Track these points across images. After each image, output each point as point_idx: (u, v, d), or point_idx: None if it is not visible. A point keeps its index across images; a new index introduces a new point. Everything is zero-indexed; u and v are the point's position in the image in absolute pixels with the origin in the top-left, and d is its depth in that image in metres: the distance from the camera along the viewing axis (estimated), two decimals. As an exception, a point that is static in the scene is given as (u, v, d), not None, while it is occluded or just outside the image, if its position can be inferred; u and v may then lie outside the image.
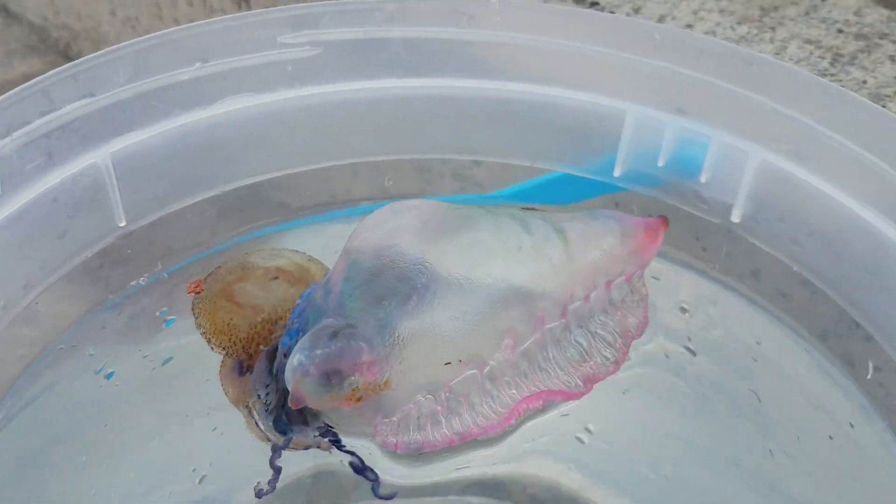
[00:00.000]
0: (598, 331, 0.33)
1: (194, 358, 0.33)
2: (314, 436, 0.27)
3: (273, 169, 0.35)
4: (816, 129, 0.31)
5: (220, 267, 0.35)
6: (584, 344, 0.32)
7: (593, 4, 0.46)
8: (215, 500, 0.35)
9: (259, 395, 0.27)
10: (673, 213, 0.36)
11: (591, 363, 0.32)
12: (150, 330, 0.34)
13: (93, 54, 0.28)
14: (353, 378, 0.25)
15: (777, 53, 0.41)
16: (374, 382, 0.26)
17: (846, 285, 0.31)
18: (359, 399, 0.25)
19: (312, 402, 0.25)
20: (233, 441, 0.32)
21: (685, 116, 0.34)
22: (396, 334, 0.26)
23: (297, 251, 0.36)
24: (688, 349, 0.37)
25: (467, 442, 0.28)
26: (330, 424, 0.27)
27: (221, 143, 0.33)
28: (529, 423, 0.32)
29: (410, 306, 0.26)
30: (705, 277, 0.37)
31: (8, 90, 0.27)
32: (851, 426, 0.32)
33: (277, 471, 0.29)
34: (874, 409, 0.31)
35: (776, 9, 0.45)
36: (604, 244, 0.32)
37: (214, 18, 0.31)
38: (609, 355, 0.33)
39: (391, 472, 0.33)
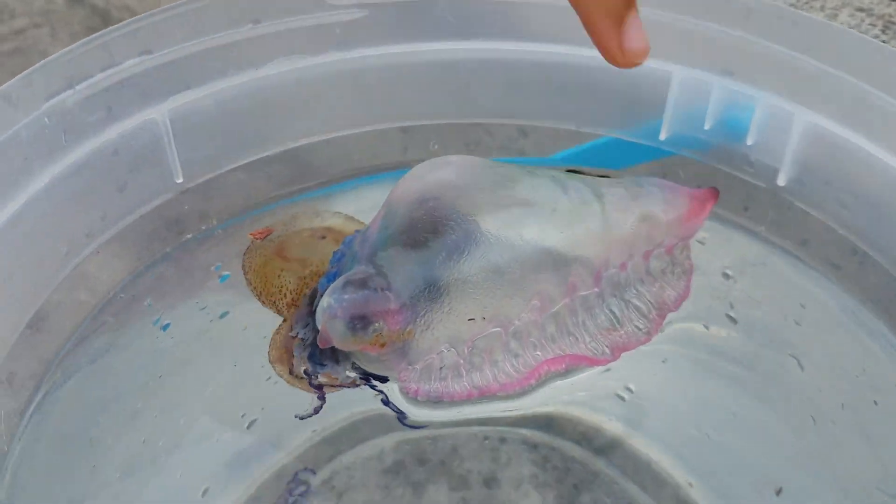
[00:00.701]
0: (633, 300, 0.33)
1: (250, 313, 0.34)
2: (345, 373, 0.28)
3: (322, 131, 0.36)
4: (864, 89, 0.31)
5: (267, 227, 0.36)
6: (617, 312, 0.32)
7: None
8: (264, 444, 0.37)
9: (298, 333, 0.28)
10: (719, 177, 0.36)
11: (622, 332, 0.32)
12: (205, 283, 0.35)
13: (150, 11, 0.29)
14: (377, 325, 0.26)
15: (828, 21, 0.41)
16: (397, 331, 0.26)
17: (893, 249, 0.31)
18: (383, 345, 0.26)
19: (339, 344, 0.26)
20: (285, 391, 0.33)
21: (731, 78, 0.34)
22: (423, 286, 0.27)
23: (342, 213, 0.37)
24: (729, 317, 0.37)
25: (485, 396, 0.29)
26: (359, 364, 0.28)
27: (273, 105, 0.34)
28: (569, 380, 0.32)
29: (439, 260, 0.27)
30: (752, 240, 0.36)
31: None
32: (875, 403, 0.31)
33: (320, 403, 0.30)
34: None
35: (829, -23, 0.45)
36: (644, 212, 0.32)
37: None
38: (641, 325, 0.32)
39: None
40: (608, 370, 0.32)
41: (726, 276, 0.37)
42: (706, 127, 0.35)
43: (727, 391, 0.38)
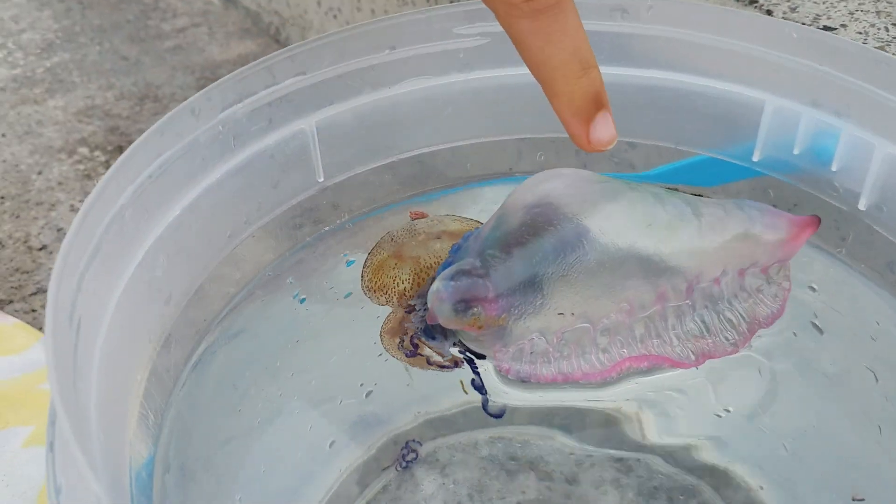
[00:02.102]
0: (725, 313, 0.34)
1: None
2: (449, 347, 0.33)
3: (443, 141, 0.41)
4: None
5: (388, 233, 0.41)
6: (707, 322, 0.34)
7: (753, 2, 0.48)
8: (379, 414, 0.42)
9: (417, 307, 0.34)
10: (806, 199, 0.39)
11: (710, 341, 0.34)
12: (335, 267, 0.41)
13: (307, 40, 0.35)
14: (475, 309, 0.30)
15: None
16: (493, 317, 0.31)
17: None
18: (480, 327, 0.31)
19: (444, 322, 0.31)
20: (393, 369, 0.38)
21: (819, 109, 0.36)
22: (519, 282, 0.31)
23: (457, 216, 0.42)
24: (814, 325, 0.39)
25: (569, 381, 0.32)
26: (463, 342, 0.33)
27: (402, 118, 0.39)
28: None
29: (535, 260, 0.31)
30: (833, 259, 0.39)
31: (225, 69, 0.35)
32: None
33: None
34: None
35: (938, 9, 0.46)
36: (741, 231, 0.34)
37: (404, 12, 0.37)
38: (729, 337, 0.34)
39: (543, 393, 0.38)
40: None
41: (812, 289, 0.40)
42: (795, 152, 0.38)
43: (808, 401, 0.41)
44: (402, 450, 0.44)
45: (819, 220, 0.36)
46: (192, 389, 0.34)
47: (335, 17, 0.85)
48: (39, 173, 0.78)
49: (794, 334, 0.40)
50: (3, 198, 0.75)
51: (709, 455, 0.43)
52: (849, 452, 0.40)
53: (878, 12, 0.46)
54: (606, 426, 0.44)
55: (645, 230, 0.33)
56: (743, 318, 0.34)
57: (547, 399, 0.43)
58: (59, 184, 0.79)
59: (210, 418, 0.35)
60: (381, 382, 0.43)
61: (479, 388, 0.34)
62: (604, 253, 0.32)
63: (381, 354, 0.40)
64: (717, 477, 0.41)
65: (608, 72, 0.39)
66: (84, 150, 0.82)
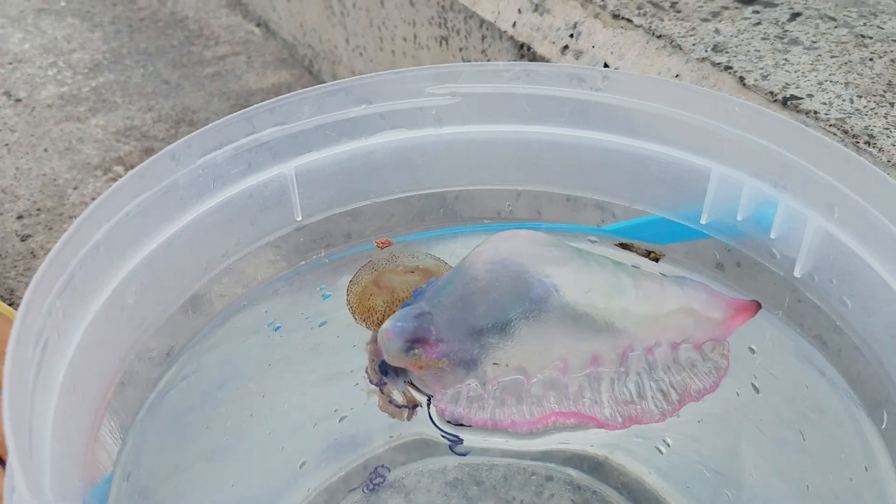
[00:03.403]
0: (657, 383, 0.36)
1: (343, 327, 0.42)
2: (401, 384, 0.36)
3: (417, 188, 0.44)
4: (869, 210, 0.35)
5: (370, 261, 0.44)
6: (637, 390, 0.36)
7: (727, 69, 0.51)
8: (354, 437, 0.45)
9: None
10: (748, 262, 0.41)
11: (639, 407, 0.36)
12: (310, 299, 0.44)
13: (286, 94, 0.39)
14: (416, 350, 0.33)
15: (887, 128, 0.45)
16: (433, 359, 0.34)
17: (876, 344, 0.35)
18: (421, 367, 0.34)
19: (388, 358, 0.34)
20: (367, 397, 0.41)
21: (759, 179, 0.39)
22: (460, 330, 0.34)
23: (433, 255, 0.46)
24: (753, 385, 0.42)
25: (498, 428, 0.35)
26: (412, 381, 0.36)
27: (376, 166, 0.42)
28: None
29: (478, 312, 0.34)
30: (773, 323, 0.41)
31: (259, 96, 0.38)
32: (866, 469, 0.35)
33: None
34: (887, 457, 0.34)
35: (907, 83, 0.48)
36: (673, 307, 0.36)
37: (381, 72, 0.41)
38: (658, 406, 0.36)
39: (505, 440, 0.41)
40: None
41: (752, 350, 0.42)
42: (739, 218, 0.40)
43: (750, 450, 0.43)
44: (370, 474, 0.47)
45: (758, 306, 0.38)
46: (160, 408, 0.37)
47: (361, 54, 0.90)
48: (75, 188, 0.84)
49: (737, 394, 0.42)
50: (39, 210, 0.80)
51: (660, 495, 0.45)
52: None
53: (846, 83, 0.48)
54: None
55: (584, 295, 0.35)
56: (674, 389, 0.36)
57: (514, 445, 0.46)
58: (93, 199, 0.85)
59: (176, 436, 0.39)
60: (356, 408, 0.46)
61: (448, 437, 0.37)
62: (543, 312, 0.34)
63: (357, 384, 0.43)
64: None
65: (568, 133, 0.42)
66: (119, 169, 0.87)
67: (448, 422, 0.36)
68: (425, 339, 0.34)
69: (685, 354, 0.37)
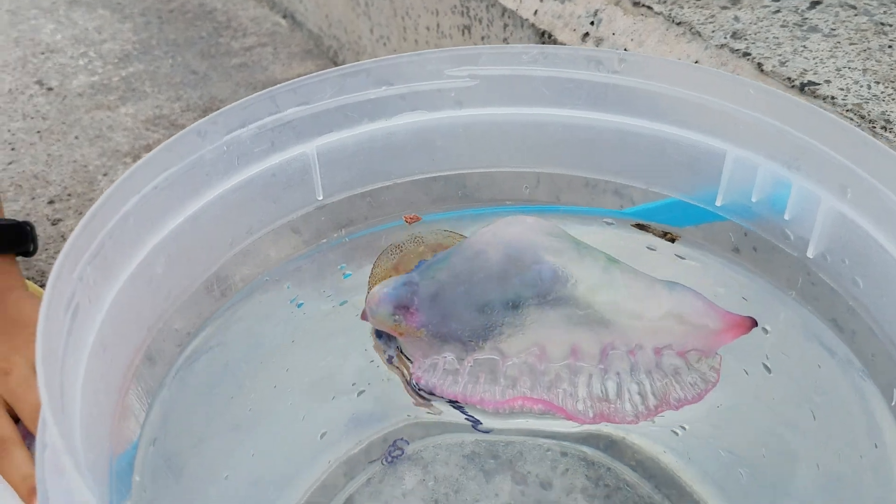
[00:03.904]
0: (636, 385, 0.36)
1: (362, 306, 0.43)
2: (393, 348, 0.37)
3: (436, 170, 0.45)
4: (883, 192, 0.35)
5: (393, 244, 0.45)
6: (615, 389, 0.36)
7: (746, 55, 0.51)
8: (373, 412, 0.46)
9: None
10: (763, 244, 0.41)
11: (613, 406, 0.36)
12: (331, 277, 0.45)
13: (309, 75, 0.40)
14: (397, 317, 0.35)
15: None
16: (412, 328, 0.35)
17: (887, 323, 0.35)
18: (401, 333, 0.35)
19: (371, 320, 0.36)
20: (384, 373, 0.42)
21: (774, 161, 0.39)
22: (439, 304, 0.35)
23: (458, 233, 0.46)
24: (765, 366, 0.42)
25: (467, 403, 0.36)
26: (400, 347, 0.37)
27: (396, 147, 0.43)
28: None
29: (460, 290, 0.35)
30: (786, 303, 0.41)
31: None
32: (875, 446, 0.36)
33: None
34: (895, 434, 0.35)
35: (927, 69, 0.48)
36: (659, 311, 0.36)
37: (401, 54, 0.41)
38: (631, 408, 0.36)
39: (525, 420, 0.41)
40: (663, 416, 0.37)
41: (765, 330, 0.42)
42: (753, 199, 0.41)
43: (763, 430, 0.44)
44: (389, 446, 0.48)
45: (753, 323, 0.37)
46: (186, 378, 0.38)
47: (385, 44, 0.91)
48: (105, 175, 0.86)
49: (746, 372, 0.42)
50: (69, 195, 0.82)
51: (675, 473, 0.46)
52: (790, 485, 0.43)
53: (864, 70, 0.49)
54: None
55: (569, 287, 0.36)
56: (653, 395, 0.36)
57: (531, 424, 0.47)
58: (122, 185, 0.87)
59: (202, 406, 0.40)
60: (373, 383, 0.47)
61: (469, 417, 0.39)
62: (522, 297, 0.35)
63: (372, 361, 0.44)
64: (685, 499, 0.44)
65: (585, 116, 0.43)
66: (147, 156, 0.89)
67: (420, 390, 0.37)
68: (406, 308, 0.35)
69: (669, 361, 0.36)
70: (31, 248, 0.64)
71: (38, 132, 0.93)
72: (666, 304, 0.36)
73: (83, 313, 0.30)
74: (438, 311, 0.35)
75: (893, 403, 0.35)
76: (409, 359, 0.37)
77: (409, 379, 0.37)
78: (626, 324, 0.35)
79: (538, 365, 0.36)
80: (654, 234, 0.45)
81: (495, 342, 0.35)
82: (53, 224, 0.78)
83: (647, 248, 0.45)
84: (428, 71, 0.42)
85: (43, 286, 0.70)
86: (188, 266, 0.37)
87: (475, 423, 0.42)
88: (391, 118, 0.43)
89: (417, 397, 0.37)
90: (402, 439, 0.49)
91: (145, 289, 0.34)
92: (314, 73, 0.40)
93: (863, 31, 0.53)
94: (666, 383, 0.36)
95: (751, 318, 0.36)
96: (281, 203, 0.42)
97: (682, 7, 0.58)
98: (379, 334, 0.37)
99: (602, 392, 0.35)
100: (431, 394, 0.36)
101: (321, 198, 0.43)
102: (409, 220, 0.45)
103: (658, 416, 0.36)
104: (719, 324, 0.36)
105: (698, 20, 0.56)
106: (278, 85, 0.39)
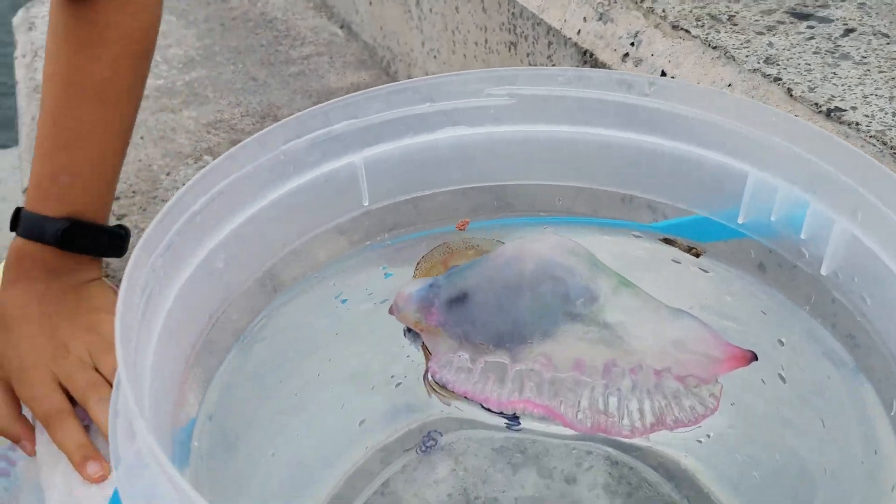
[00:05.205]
0: (636, 403, 0.38)
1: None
2: (417, 344, 0.41)
3: (475, 181, 0.49)
4: (883, 211, 0.37)
5: (446, 243, 0.48)
6: (615, 405, 0.37)
7: (777, 80, 0.54)
8: (411, 404, 0.50)
9: None
10: (780, 261, 0.44)
11: (610, 419, 0.38)
12: (374, 276, 0.49)
13: (359, 92, 0.43)
14: (418, 315, 0.38)
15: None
16: (431, 326, 0.39)
17: (891, 338, 0.38)
18: (422, 330, 0.38)
19: (398, 316, 0.40)
20: (420, 367, 0.46)
21: (792, 184, 0.42)
22: (458, 308, 0.39)
23: (501, 241, 0.49)
24: (780, 375, 0.45)
25: (474, 400, 0.39)
26: (424, 343, 0.41)
27: (438, 159, 0.47)
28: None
29: (476, 298, 0.38)
30: (800, 317, 0.44)
31: (339, 95, 0.43)
32: (875, 453, 0.38)
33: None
34: (893, 441, 0.37)
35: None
36: (662, 336, 0.37)
37: (445, 73, 0.45)
38: (628, 424, 0.38)
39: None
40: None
41: (780, 342, 0.45)
42: (772, 218, 0.43)
43: (777, 436, 0.46)
44: (423, 437, 0.52)
45: (753, 357, 0.38)
46: (239, 362, 0.42)
47: (435, 57, 0.95)
48: (168, 174, 0.91)
49: (763, 381, 0.45)
50: (134, 192, 0.88)
51: (695, 476, 0.48)
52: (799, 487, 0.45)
53: (891, 98, 0.51)
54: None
55: (580, 304, 0.38)
56: (651, 414, 0.38)
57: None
58: (184, 185, 0.92)
59: (253, 389, 0.44)
60: (409, 377, 0.51)
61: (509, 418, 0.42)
62: (536, 310, 0.38)
63: (409, 356, 0.47)
64: (702, 500, 0.47)
65: (617, 135, 0.46)
66: (208, 158, 0.94)
67: (436, 382, 0.40)
68: (428, 308, 0.38)
69: (668, 383, 0.38)
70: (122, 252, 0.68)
71: (107, 132, 0.99)
72: (669, 330, 0.38)
73: (155, 298, 0.34)
74: (456, 314, 0.39)
75: (893, 413, 0.37)
76: (427, 350, 0.41)
77: (425, 372, 0.41)
78: (630, 344, 0.37)
79: (544, 373, 0.38)
80: (680, 248, 0.48)
81: (506, 348, 0.39)
82: (118, 219, 0.84)
83: (672, 260, 0.48)
84: (469, 90, 0.45)
85: (106, 276, 0.75)
86: (245, 263, 0.41)
87: (511, 424, 0.45)
88: (434, 132, 0.46)
89: (430, 389, 0.41)
90: (436, 431, 0.52)
91: (207, 281, 0.38)
92: (364, 91, 0.44)
93: (893, 59, 0.55)
94: (664, 405, 0.37)
95: (751, 351, 0.38)
96: (330, 208, 0.45)
97: (718, 32, 0.60)
98: (406, 329, 0.41)
99: (603, 405, 0.38)
100: (444, 388, 0.40)
101: (367, 204, 0.47)
102: (460, 226, 0.49)
103: (653, 433, 0.37)
104: (720, 354, 0.37)
105: (733, 45, 0.58)
106: (330, 101, 0.43)
